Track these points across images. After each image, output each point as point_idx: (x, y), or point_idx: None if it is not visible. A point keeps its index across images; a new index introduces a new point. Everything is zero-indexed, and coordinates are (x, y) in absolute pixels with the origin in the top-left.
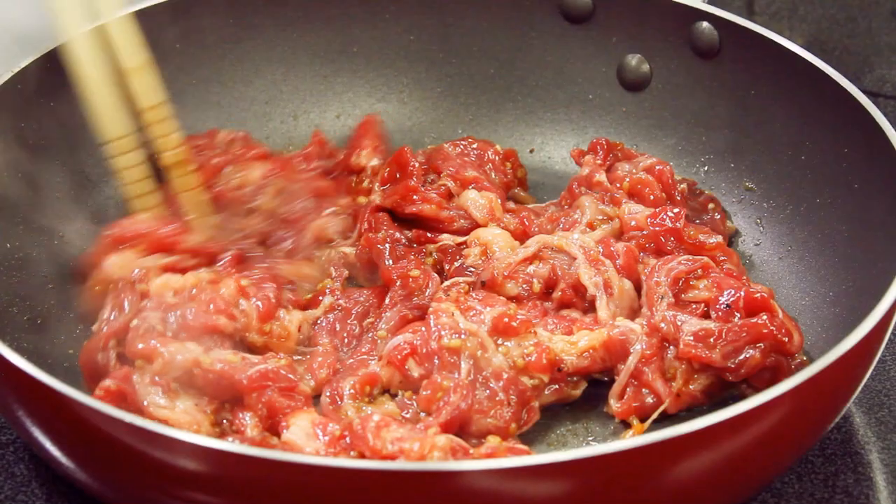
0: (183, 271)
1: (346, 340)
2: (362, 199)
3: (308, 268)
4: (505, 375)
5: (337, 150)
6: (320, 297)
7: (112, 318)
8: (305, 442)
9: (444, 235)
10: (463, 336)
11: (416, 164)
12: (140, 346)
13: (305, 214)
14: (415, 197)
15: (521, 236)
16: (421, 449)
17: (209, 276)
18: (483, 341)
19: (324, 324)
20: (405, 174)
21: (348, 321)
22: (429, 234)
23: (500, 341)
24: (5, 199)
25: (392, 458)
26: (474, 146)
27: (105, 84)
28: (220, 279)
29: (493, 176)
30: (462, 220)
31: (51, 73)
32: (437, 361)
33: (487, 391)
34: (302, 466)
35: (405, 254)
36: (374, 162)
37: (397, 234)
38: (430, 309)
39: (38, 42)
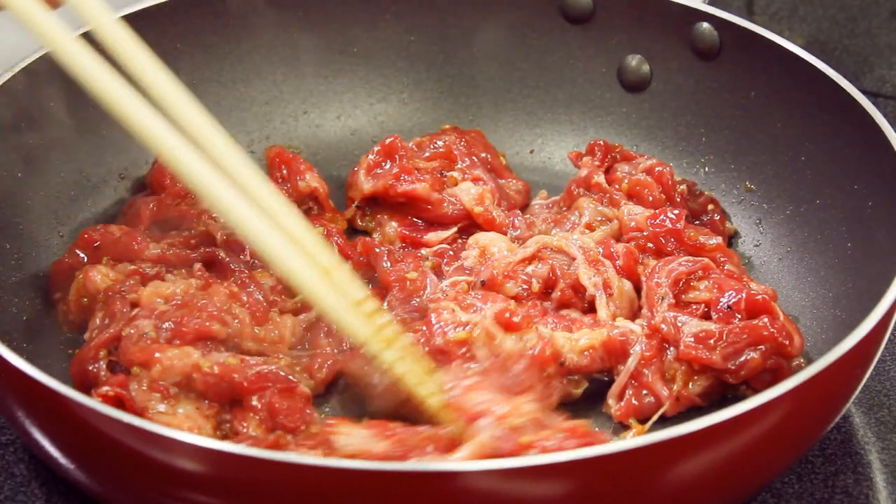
0: (144, 279)
1: (343, 342)
2: (319, 230)
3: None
4: (523, 361)
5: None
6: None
7: (103, 327)
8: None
9: (441, 240)
10: (468, 328)
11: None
12: (136, 353)
13: None
14: (408, 177)
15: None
16: (509, 413)
17: (198, 282)
18: (489, 330)
19: (322, 325)
20: (392, 162)
21: None
22: (423, 238)
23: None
24: (5, 199)
25: (478, 416)
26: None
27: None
28: (209, 285)
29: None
30: (451, 206)
31: (49, 74)
32: (440, 358)
33: (512, 374)
34: (302, 467)
35: (403, 257)
36: (316, 183)
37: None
38: (430, 308)
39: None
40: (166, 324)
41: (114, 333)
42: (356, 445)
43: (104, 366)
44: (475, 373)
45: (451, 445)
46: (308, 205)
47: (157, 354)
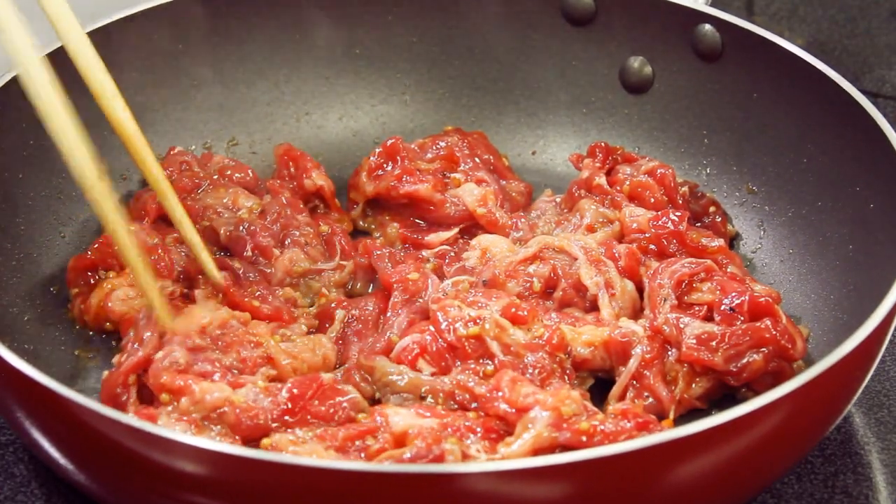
0: (170, 298)
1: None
2: (324, 228)
3: (293, 292)
4: (539, 353)
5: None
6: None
7: (132, 350)
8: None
9: (442, 241)
10: (479, 322)
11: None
12: (166, 379)
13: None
14: (410, 178)
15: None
16: (555, 400)
17: (228, 314)
18: (499, 322)
19: (350, 333)
20: (394, 164)
21: (367, 330)
22: (424, 239)
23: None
24: (6, 200)
25: (527, 409)
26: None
27: (72, 127)
28: (247, 320)
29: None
30: (454, 207)
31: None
32: (448, 356)
33: (531, 366)
34: (302, 468)
35: (404, 259)
36: (322, 181)
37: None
38: (434, 307)
39: None
40: (202, 356)
41: (143, 358)
42: (405, 421)
43: (134, 394)
44: (497, 367)
45: (498, 433)
46: (314, 203)
47: (191, 385)
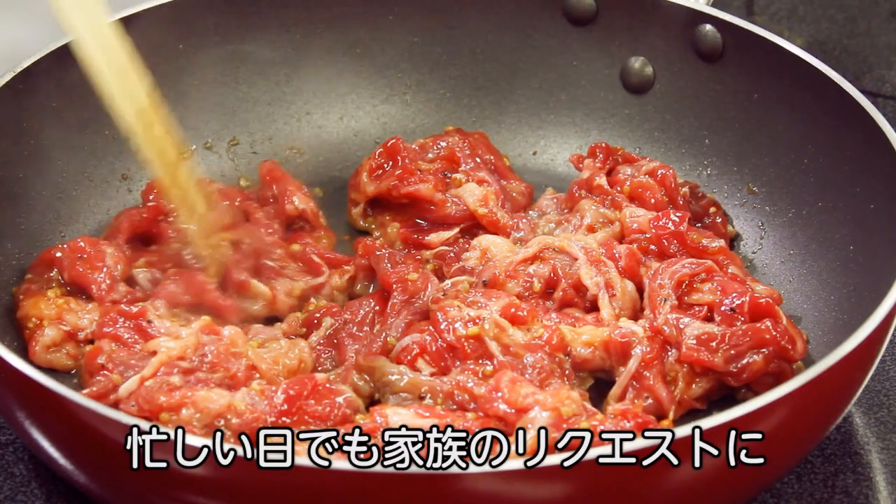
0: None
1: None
2: (295, 247)
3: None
4: (539, 353)
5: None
6: (315, 320)
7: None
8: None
9: (442, 241)
10: (478, 322)
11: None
12: (164, 399)
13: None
14: (411, 178)
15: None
16: (555, 401)
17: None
18: (499, 322)
19: (344, 335)
20: (395, 164)
21: (362, 331)
22: (424, 239)
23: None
24: (7, 199)
25: (526, 409)
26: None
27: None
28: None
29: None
30: (454, 207)
31: (51, 74)
32: (448, 356)
33: (530, 366)
34: (303, 469)
35: (404, 259)
36: (304, 205)
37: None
38: (434, 308)
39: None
40: (193, 378)
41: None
42: (404, 421)
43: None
44: (496, 368)
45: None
46: (300, 224)
47: (191, 395)
